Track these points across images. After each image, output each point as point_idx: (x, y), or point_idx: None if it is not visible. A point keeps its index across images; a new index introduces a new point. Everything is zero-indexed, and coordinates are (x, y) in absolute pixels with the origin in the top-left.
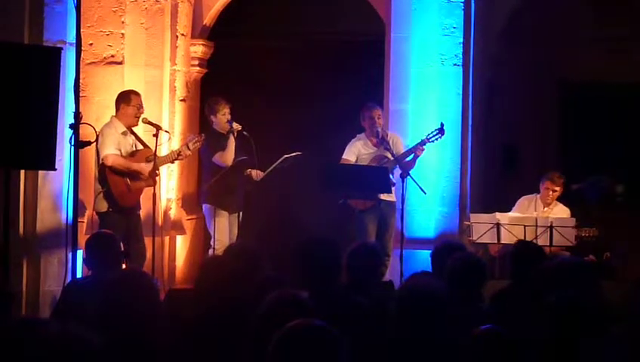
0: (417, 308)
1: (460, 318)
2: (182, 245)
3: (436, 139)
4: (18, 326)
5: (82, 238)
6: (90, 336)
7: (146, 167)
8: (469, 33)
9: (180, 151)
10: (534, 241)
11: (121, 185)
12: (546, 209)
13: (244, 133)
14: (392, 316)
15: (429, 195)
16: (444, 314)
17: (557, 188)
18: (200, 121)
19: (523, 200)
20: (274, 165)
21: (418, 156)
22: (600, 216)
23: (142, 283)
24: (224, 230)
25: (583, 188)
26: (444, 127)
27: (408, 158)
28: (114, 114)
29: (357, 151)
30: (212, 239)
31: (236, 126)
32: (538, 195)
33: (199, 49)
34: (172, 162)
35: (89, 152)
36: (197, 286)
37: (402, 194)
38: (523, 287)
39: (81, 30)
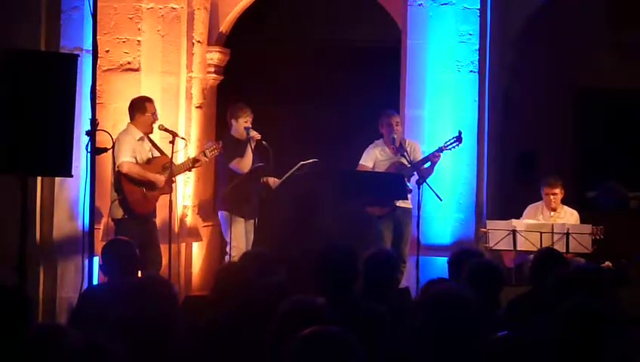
0: (446, 314)
1: (478, 324)
2: (198, 252)
3: (454, 147)
4: (41, 333)
5: (99, 245)
6: (112, 344)
7: (161, 178)
8: (485, 40)
9: (197, 159)
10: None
11: (136, 192)
12: (552, 214)
13: (264, 142)
14: (411, 322)
15: (445, 202)
16: (472, 320)
17: (556, 192)
18: (216, 127)
19: (530, 209)
20: (290, 172)
21: (435, 163)
22: (615, 222)
23: (162, 289)
24: (240, 237)
25: (597, 196)
26: (462, 135)
27: (426, 165)
28: (129, 121)
29: (374, 158)
30: (228, 246)
31: (255, 135)
32: (543, 202)
33: (215, 56)
34: (189, 170)
35: (105, 159)
36: (213, 293)
37: (418, 201)
38: (540, 294)
39: (98, 37)
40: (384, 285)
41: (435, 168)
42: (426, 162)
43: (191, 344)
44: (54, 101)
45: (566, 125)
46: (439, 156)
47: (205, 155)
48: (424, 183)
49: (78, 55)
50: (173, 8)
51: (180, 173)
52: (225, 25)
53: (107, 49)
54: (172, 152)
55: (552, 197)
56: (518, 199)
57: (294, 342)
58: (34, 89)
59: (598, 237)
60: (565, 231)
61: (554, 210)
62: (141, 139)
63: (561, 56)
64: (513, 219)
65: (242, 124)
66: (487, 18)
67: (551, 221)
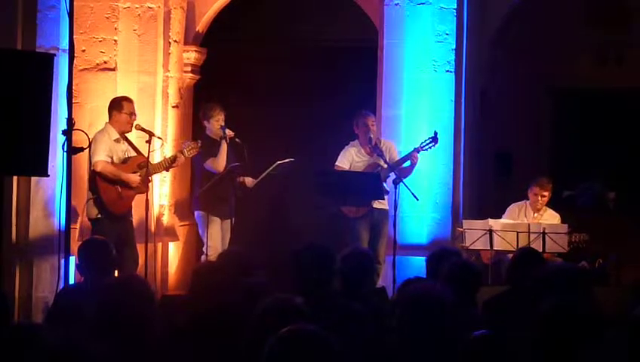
0: (423, 313)
1: (454, 323)
2: (174, 251)
3: (430, 148)
4: (17, 333)
5: (75, 244)
6: (89, 343)
7: (135, 178)
8: (462, 40)
9: (174, 158)
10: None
11: (111, 192)
12: (536, 215)
13: (237, 140)
14: (389, 321)
15: (421, 202)
16: (449, 319)
17: (545, 194)
18: (193, 127)
19: (513, 208)
20: (266, 172)
21: (415, 164)
22: (592, 223)
23: (138, 288)
24: (217, 236)
25: (574, 195)
26: (438, 136)
27: (405, 165)
28: (107, 120)
29: (350, 159)
30: (204, 245)
31: (229, 133)
32: (527, 202)
33: (192, 55)
34: (167, 170)
35: (82, 158)
36: (190, 292)
37: (395, 201)
38: (517, 293)
39: (74, 36)
40: (361, 284)
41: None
42: (405, 161)
43: (168, 343)
44: (30, 100)
45: (543, 125)
46: (418, 157)
47: (183, 154)
48: (400, 183)
49: (54, 54)
50: (150, 8)
51: (157, 172)
52: (201, 24)
53: (83, 48)
54: (148, 152)
55: (540, 198)
56: (494, 199)
57: (272, 341)
58: (10, 88)
59: (580, 246)
60: (542, 231)
61: (538, 210)
62: (117, 139)
63: (539, 56)
64: (490, 219)
65: (215, 124)
66: (464, 18)
67: (534, 221)
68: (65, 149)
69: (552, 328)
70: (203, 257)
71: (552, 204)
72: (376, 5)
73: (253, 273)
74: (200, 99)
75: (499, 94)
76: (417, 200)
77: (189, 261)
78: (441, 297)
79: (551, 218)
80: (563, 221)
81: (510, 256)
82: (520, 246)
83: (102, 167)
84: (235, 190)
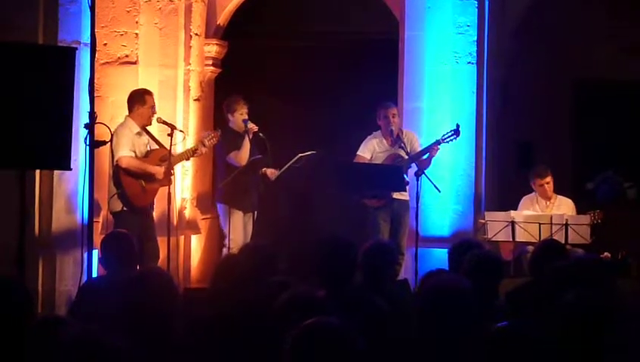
0: (445, 305)
1: (477, 315)
2: (196, 244)
3: (451, 140)
4: (40, 326)
5: (97, 238)
6: (111, 337)
7: (160, 170)
8: (483, 31)
9: (195, 148)
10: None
11: (135, 186)
12: (548, 203)
13: (260, 134)
14: (411, 314)
15: (443, 193)
16: (471, 311)
17: (548, 180)
18: (214, 120)
19: (525, 200)
20: (288, 164)
21: (433, 156)
22: (613, 214)
23: (161, 281)
24: (239, 229)
25: (595, 188)
26: (460, 128)
27: (424, 157)
28: (128, 114)
29: (372, 149)
30: (226, 238)
31: (252, 127)
32: (536, 194)
33: (213, 48)
34: (187, 159)
35: (104, 152)
36: (212, 286)
37: (417, 193)
38: (539, 285)
39: (96, 30)
40: (383, 277)
41: (434, 160)
42: (425, 154)
43: (190, 336)
44: (53, 94)
45: (564, 116)
46: (438, 149)
47: (204, 144)
48: (422, 175)
49: (76, 48)
50: (171, 1)
51: (178, 163)
52: (222, 18)
53: (105, 42)
54: (170, 145)
55: (546, 186)
56: (516, 190)
57: (295, 334)
58: (32, 82)
59: (596, 222)
60: (564, 222)
61: (549, 198)
62: (139, 133)
63: (560, 47)
64: (512, 211)
65: (239, 117)
66: (486, 9)
67: (547, 211)
68: (87, 143)
69: (575, 320)
70: (225, 250)
71: (574, 196)
72: None
73: (275, 266)
74: (221, 92)
75: (520, 85)
76: (439, 192)
77: (211, 254)
78: (463, 289)
79: (564, 204)
80: (582, 210)
81: (530, 248)
82: (542, 237)
83: (127, 162)
84: (257, 183)
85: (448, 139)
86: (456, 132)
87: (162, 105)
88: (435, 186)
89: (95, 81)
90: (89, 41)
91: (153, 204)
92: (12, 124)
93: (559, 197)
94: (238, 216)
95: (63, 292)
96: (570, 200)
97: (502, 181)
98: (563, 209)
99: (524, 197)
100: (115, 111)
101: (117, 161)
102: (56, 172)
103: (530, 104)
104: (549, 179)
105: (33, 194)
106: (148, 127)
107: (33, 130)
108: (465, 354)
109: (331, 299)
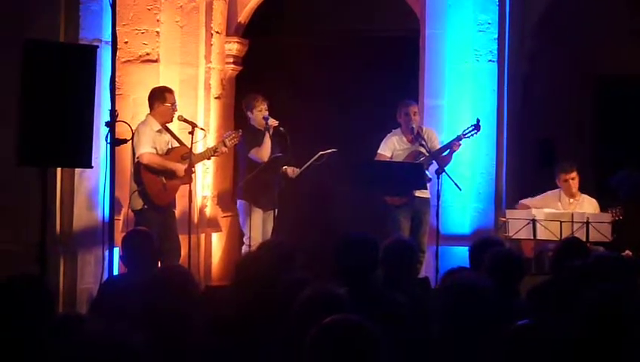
0: (466, 303)
1: (497, 313)
2: (217, 242)
3: (472, 135)
4: (61, 323)
5: (118, 236)
6: (132, 334)
7: (181, 166)
8: (504, 29)
9: (216, 148)
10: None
11: (156, 183)
12: (572, 201)
13: (281, 128)
14: (432, 311)
15: (464, 191)
16: (492, 309)
17: (573, 176)
18: (235, 118)
19: (549, 194)
20: (309, 162)
21: (454, 151)
22: (635, 211)
23: (182, 279)
24: (257, 227)
25: (616, 186)
26: (480, 123)
27: (444, 154)
28: (149, 112)
29: (392, 147)
30: (245, 236)
31: (272, 122)
32: (560, 190)
33: (234, 46)
34: (208, 158)
35: (125, 150)
36: (234, 284)
37: (437, 191)
38: (561, 283)
39: (117, 28)
40: (403, 274)
41: (454, 157)
42: (446, 150)
43: (211, 334)
44: (74, 92)
45: (586, 113)
46: (460, 144)
47: (225, 144)
48: (443, 173)
49: (97, 46)
50: None
51: (199, 162)
52: (243, 15)
53: (126, 40)
54: (191, 143)
55: (571, 182)
56: (537, 188)
57: (315, 331)
58: (53, 80)
59: (617, 218)
60: (585, 221)
61: (573, 196)
62: (159, 130)
63: (581, 43)
64: (533, 209)
65: (259, 114)
66: (506, 7)
67: (571, 208)
68: (108, 141)
69: (596, 318)
70: (244, 248)
71: (595, 193)
72: None
73: (296, 263)
74: (242, 90)
75: (541, 82)
76: (460, 190)
77: (232, 252)
78: (484, 287)
79: (587, 203)
80: (602, 206)
81: (551, 246)
82: (563, 235)
83: (148, 159)
84: (278, 181)
85: (469, 134)
86: (477, 127)
87: (183, 103)
88: (455, 184)
89: (116, 79)
90: (110, 39)
91: (175, 201)
92: (33, 122)
93: (584, 196)
94: (257, 214)
95: (83, 290)
96: (594, 200)
97: (523, 179)
98: (586, 208)
99: (548, 191)
100: (136, 109)
101: (138, 157)
102: (77, 170)
103: (552, 101)
104: (574, 174)
105: (54, 192)
106: (169, 125)
107: (54, 128)
108: (485, 352)
109: (351, 296)
